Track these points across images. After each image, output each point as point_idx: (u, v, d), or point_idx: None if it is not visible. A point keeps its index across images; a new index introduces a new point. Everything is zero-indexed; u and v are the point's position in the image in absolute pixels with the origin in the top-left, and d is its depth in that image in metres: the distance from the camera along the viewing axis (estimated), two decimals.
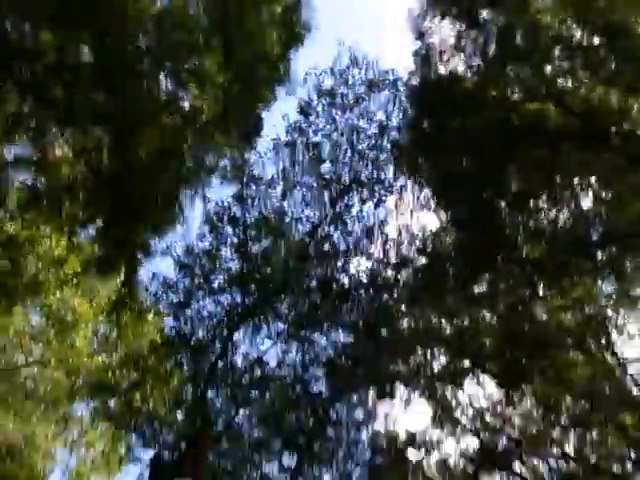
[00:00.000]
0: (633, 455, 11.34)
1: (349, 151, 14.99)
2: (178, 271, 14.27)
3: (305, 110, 15.17)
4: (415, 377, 12.49)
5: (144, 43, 12.91)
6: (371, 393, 12.97)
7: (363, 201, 15.04)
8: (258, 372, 13.72)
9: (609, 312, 11.53)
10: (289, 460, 12.60)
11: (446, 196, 13.66)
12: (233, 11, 13.56)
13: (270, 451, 12.80)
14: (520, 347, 12.13)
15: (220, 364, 13.83)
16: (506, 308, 12.39)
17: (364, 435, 12.92)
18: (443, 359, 12.45)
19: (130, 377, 13.24)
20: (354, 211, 14.95)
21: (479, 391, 12.05)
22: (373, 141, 14.97)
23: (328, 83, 15.19)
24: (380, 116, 15.04)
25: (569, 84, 12.00)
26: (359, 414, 13.05)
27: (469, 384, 12.29)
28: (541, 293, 12.10)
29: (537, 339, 12.05)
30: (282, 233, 14.85)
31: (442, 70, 13.23)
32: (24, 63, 13.06)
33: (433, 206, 13.99)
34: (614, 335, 11.45)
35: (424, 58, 13.37)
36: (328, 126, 15.16)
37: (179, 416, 13.24)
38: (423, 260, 13.58)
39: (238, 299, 14.47)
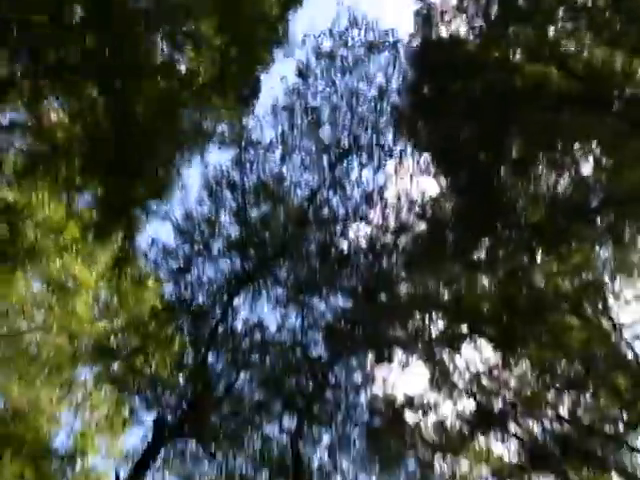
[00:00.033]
0: (625, 417, 11.59)
1: (348, 115, 14.83)
2: (177, 237, 14.33)
3: (304, 73, 14.93)
4: (413, 341, 12.66)
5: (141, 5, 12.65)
6: (369, 357, 13.19)
7: (362, 166, 14.96)
8: (258, 337, 13.90)
9: (606, 278, 11.61)
10: (289, 422, 12.92)
11: (446, 161, 13.61)
12: None
13: (270, 413, 13.07)
14: (517, 312, 12.29)
15: (220, 329, 13.99)
16: (504, 274, 12.48)
17: (362, 398, 13.21)
18: (441, 324, 12.61)
19: (132, 342, 13.48)
20: (353, 176, 14.91)
21: (476, 355, 12.25)
22: (373, 104, 14.80)
23: (327, 45, 14.92)
24: (380, 79, 14.84)
25: (572, 46, 11.81)
26: (358, 377, 13.30)
27: (466, 348, 12.49)
28: (539, 259, 12.17)
29: (534, 304, 12.19)
30: (281, 198, 14.82)
31: (443, 32, 13.00)
32: (15, 25, 12.82)
33: (433, 171, 13.96)
34: (610, 301, 11.58)
35: (425, 19, 13.09)
36: (327, 89, 14.97)
37: (181, 380, 13.51)
38: (422, 226, 13.62)
39: (237, 265, 14.55)
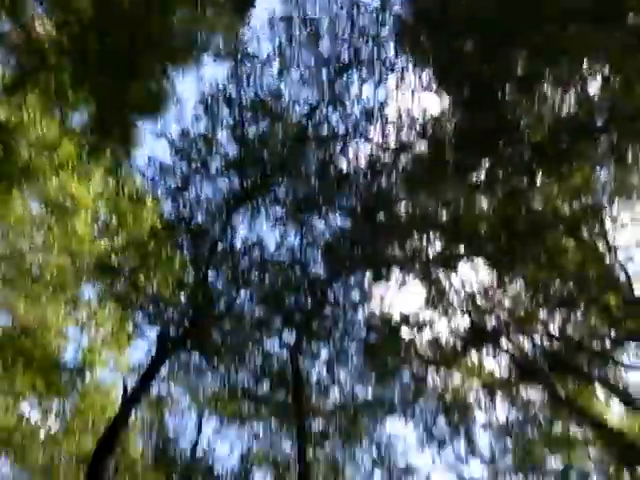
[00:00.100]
0: (613, 334, 11.99)
1: (348, 27, 14.16)
2: (174, 155, 14.09)
3: None
4: (410, 261, 12.83)
5: None
6: (367, 275, 13.39)
7: (363, 81, 14.46)
8: (257, 255, 14.04)
9: (604, 201, 11.59)
10: (289, 338, 13.33)
11: (448, 76, 13.18)
12: None
13: (270, 329, 13.47)
14: (515, 232, 12.38)
15: (220, 247, 14.11)
16: (503, 195, 12.45)
17: (360, 315, 13.57)
18: (438, 244, 12.72)
19: (132, 261, 13.65)
20: (353, 92, 14.44)
21: (472, 275, 12.47)
22: (374, 15, 14.09)
23: None
24: None
25: None
26: (355, 295, 13.59)
27: (462, 268, 12.69)
28: (539, 181, 12.10)
29: (532, 225, 12.27)
30: (279, 115, 14.45)
31: None
32: None
33: (435, 87, 13.55)
34: (607, 223, 11.63)
35: None
36: None
37: (182, 298, 13.79)
38: (423, 145, 13.40)
39: (236, 183, 14.43)
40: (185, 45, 14.30)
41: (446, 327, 12.57)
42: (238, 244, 14.26)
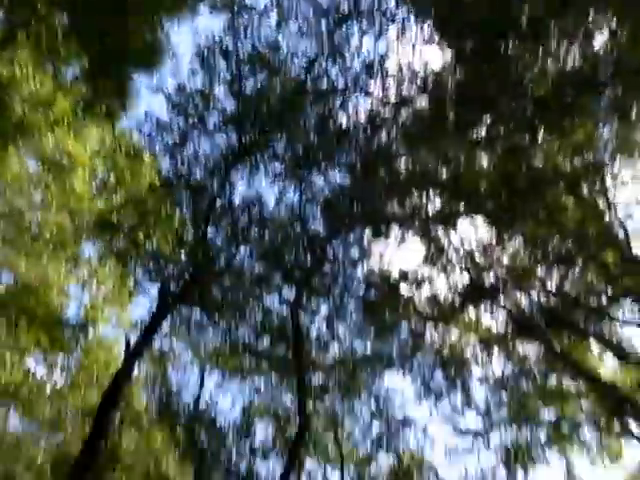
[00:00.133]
0: (610, 291, 12.12)
1: None
2: (171, 111, 13.87)
3: None
4: (410, 218, 12.83)
5: None
6: (367, 233, 13.41)
7: (362, 33, 14.09)
8: (256, 211, 14.02)
9: (606, 158, 11.51)
10: (289, 294, 13.47)
11: (450, 28, 12.85)
12: None
13: (270, 285, 13.58)
14: (515, 189, 12.35)
15: (218, 204, 14.08)
16: (504, 151, 12.35)
17: (359, 272, 13.67)
18: (438, 201, 12.69)
19: (132, 218, 13.63)
20: (353, 44, 14.09)
21: (471, 233, 12.50)
22: None
23: None
24: None
25: None
26: (355, 252, 13.64)
27: (462, 225, 12.71)
28: (540, 137, 11.97)
29: (532, 182, 12.22)
30: (277, 68, 14.15)
31: None
32: None
33: (436, 40, 13.23)
34: (608, 181, 11.58)
35: None
36: None
37: (182, 254, 13.84)
38: (424, 100, 13.18)
39: (234, 139, 14.26)
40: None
41: (444, 284, 12.71)
42: (237, 201, 14.25)
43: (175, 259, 13.82)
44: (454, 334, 12.87)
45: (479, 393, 13.58)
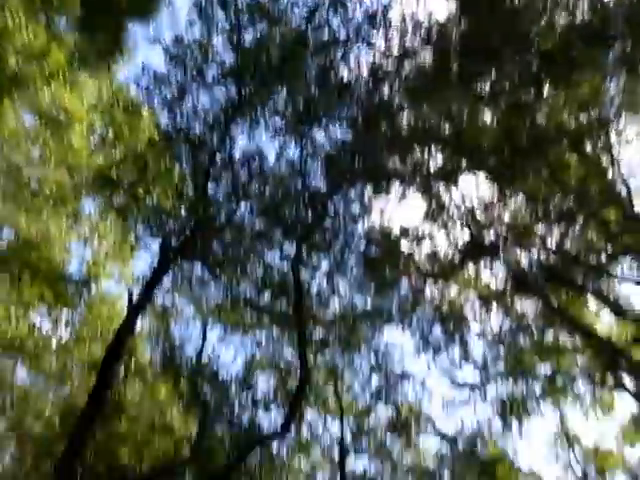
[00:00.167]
0: (610, 248, 12.16)
1: None
2: (169, 63, 13.55)
3: None
4: (411, 174, 12.73)
5: None
6: (368, 189, 13.33)
7: None
8: (257, 166, 13.90)
9: (611, 115, 11.32)
10: (289, 249, 13.50)
11: None
12: None
13: (271, 241, 13.61)
14: (518, 145, 12.21)
15: (218, 159, 13.94)
16: (508, 107, 12.14)
17: (360, 228, 13.66)
18: (440, 158, 12.57)
19: (131, 174, 13.54)
20: None
21: (472, 190, 12.43)
22: None
23: None
24: None
25: None
26: (355, 208, 13.59)
27: (463, 182, 12.63)
28: (545, 93, 11.75)
29: (535, 139, 12.07)
30: (277, 18, 13.75)
31: None
32: None
33: None
34: (612, 138, 11.43)
35: None
36: None
37: (182, 209, 13.81)
38: (427, 52, 12.86)
39: (233, 92, 14.00)
40: None
41: (445, 241, 12.73)
42: (237, 155, 14.11)
43: (176, 214, 13.80)
44: (453, 290, 13.00)
45: (477, 348, 13.85)
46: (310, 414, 14.42)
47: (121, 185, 13.47)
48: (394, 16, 13.49)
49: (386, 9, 13.56)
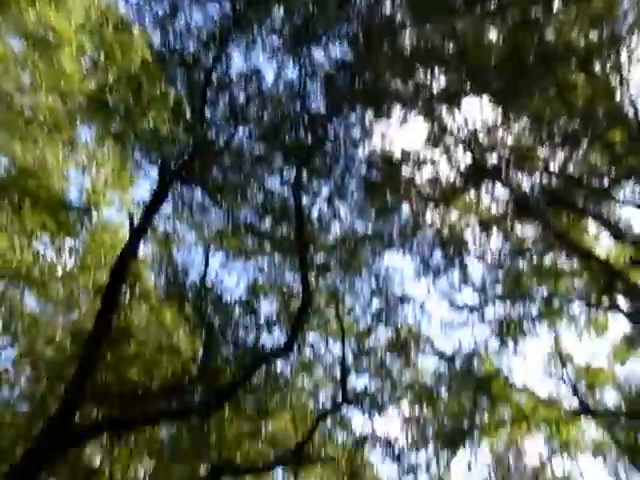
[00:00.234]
0: (613, 172, 12.02)
1: None
2: None
3: None
4: (413, 97, 12.37)
5: None
6: (368, 112, 12.98)
7: None
8: (255, 88, 13.47)
9: (623, 32, 10.82)
10: (289, 174, 13.34)
11: None
12: None
13: (271, 166, 13.43)
14: (524, 65, 11.77)
15: (215, 80, 13.48)
16: (515, 24, 11.59)
17: (360, 152, 13.41)
18: (443, 80, 12.15)
19: (125, 98, 13.14)
20: None
21: (476, 113, 12.12)
22: None
23: None
24: None
25: None
26: (356, 132, 13.30)
27: (467, 104, 12.29)
28: (555, 8, 11.17)
29: (543, 57, 11.61)
30: None
31: None
32: None
33: None
34: (623, 57, 10.98)
35: None
36: None
37: (180, 134, 13.51)
38: None
39: (228, 8, 13.31)
40: None
41: (447, 165, 12.56)
42: (234, 77, 13.62)
43: (173, 138, 13.54)
44: (454, 215, 12.98)
45: (476, 271, 14.01)
46: (312, 336, 14.86)
47: (116, 110, 13.14)
48: None
49: None
